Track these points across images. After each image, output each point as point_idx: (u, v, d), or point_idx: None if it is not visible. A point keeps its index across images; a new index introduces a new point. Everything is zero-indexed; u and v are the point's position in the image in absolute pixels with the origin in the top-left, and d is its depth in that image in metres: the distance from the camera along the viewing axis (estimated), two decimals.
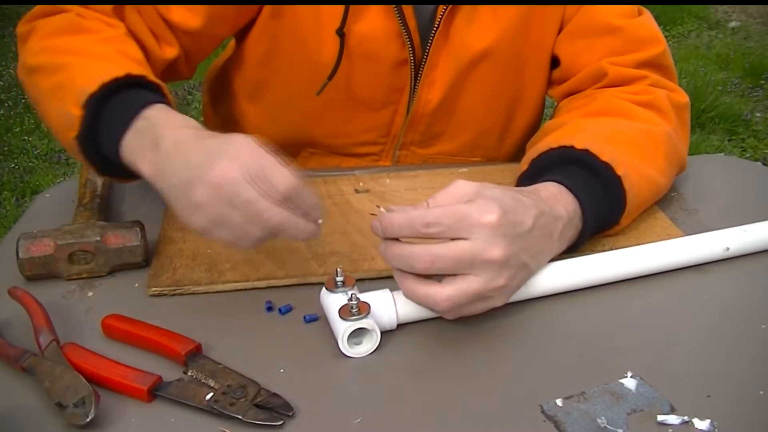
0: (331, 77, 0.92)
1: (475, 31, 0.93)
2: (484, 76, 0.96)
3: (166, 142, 0.66)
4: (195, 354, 0.63)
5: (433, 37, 0.92)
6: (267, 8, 0.92)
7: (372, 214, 0.65)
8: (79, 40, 0.80)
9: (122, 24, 0.84)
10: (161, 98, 0.73)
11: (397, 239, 0.64)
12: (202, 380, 0.61)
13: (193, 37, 0.90)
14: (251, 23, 0.95)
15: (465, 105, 0.99)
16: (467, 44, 0.93)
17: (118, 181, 0.82)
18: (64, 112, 0.74)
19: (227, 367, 0.62)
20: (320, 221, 0.67)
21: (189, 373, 0.62)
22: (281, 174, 0.63)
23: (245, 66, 1.00)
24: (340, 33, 0.89)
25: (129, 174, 0.72)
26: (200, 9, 0.88)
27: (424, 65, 0.94)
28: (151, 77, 0.76)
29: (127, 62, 0.76)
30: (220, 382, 0.60)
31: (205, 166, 0.62)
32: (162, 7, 0.87)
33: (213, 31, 0.92)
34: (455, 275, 0.63)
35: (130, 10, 0.85)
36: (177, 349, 0.63)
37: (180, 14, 0.87)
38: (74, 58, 0.77)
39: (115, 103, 0.72)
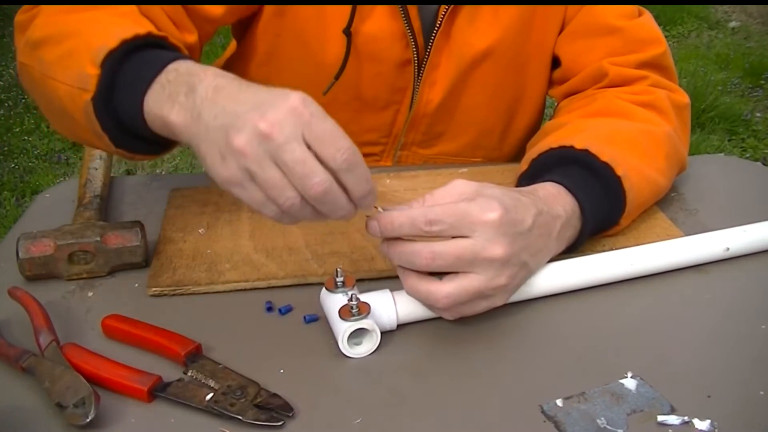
0: (338, 77, 0.92)
1: (476, 31, 0.93)
2: (485, 76, 0.96)
3: (203, 86, 0.61)
4: (195, 354, 0.63)
5: (434, 36, 0.92)
6: (271, 6, 0.92)
7: (367, 216, 0.65)
8: (92, 13, 0.76)
9: (134, 8, 0.80)
10: (186, 57, 0.68)
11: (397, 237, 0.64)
12: (202, 380, 0.61)
13: (211, 24, 0.89)
14: (254, 20, 0.95)
15: (466, 105, 0.99)
16: (469, 44, 0.93)
17: (131, 156, 0.73)
18: (77, 74, 0.68)
19: (227, 368, 0.62)
20: (379, 209, 0.62)
21: (189, 374, 0.62)
22: (343, 141, 0.57)
23: (247, 64, 1.00)
24: (347, 33, 0.89)
25: (146, 143, 0.69)
26: None
27: (425, 65, 0.94)
28: (173, 40, 0.72)
29: (147, 26, 0.71)
30: (220, 383, 0.60)
31: (254, 113, 0.56)
32: None
33: (227, 18, 0.91)
34: (456, 273, 0.63)
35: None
36: (177, 350, 0.63)
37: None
38: (87, 25, 0.72)
39: (138, 59, 0.67)
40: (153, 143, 0.69)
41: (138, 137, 0.69)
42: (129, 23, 0.72)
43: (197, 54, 0.91)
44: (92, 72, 0.67)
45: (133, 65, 0.67)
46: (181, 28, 0.86)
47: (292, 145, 0.56)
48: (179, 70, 0.65)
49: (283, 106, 0.57)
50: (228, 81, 0.62)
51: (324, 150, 0.57)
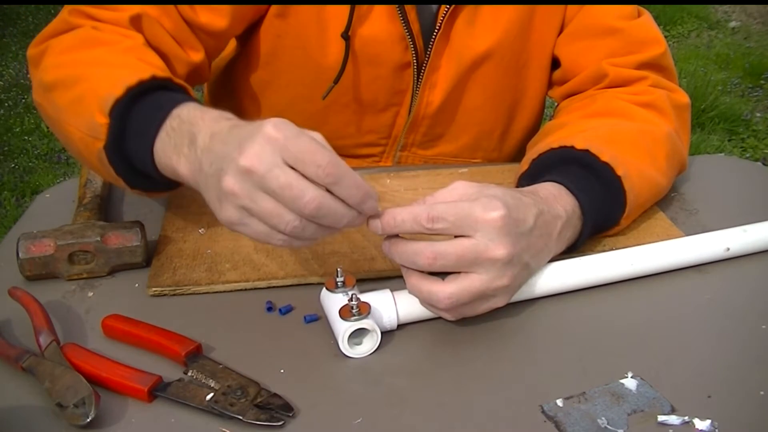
0: (337, 81, 0.92)
1: (476, 33, 0.93)
2: (485, 77, 0.96)
3: (201, 136, 0.63)
4: (195, 354, 0.63)
5: (434, 39, 0.92)
6: (273, 7, 0.92)
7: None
8: (96, 52, 0.77)
9: (140, 35, 0.82)
10: (189, 98, 0.70)
11: (397, 235, 0.64)
12: (203, 380, 0.61)
13: (217, 38, 0.90)
14: (257, 22, 0.95)
15: (466, 106, 0.99)
16: (468, 46, 0.93)
17: (148, 195, 0.77)
18: (88, 123, 0.70)
19: (227, 368, 0.62)
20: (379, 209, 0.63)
21: (189, 374, 0.62)
22: (321, 156, 0.57)
23: (248, 65, 1.00)
24: (345, 36, 0.90)
25: (160, 184, 0.71)
26: (225, 9, 0.88)
27: (425, 67, 0.94)
28: (177, 80, 0.73)
29: (150, 67, 0.73)
30: (221, 383, 0.60)
31: (235, 152, 0.58)
32: (188, 11, 0.86)
33: (233, 30, 0.92)
34: (458, 273, 0.63)
35: (147, 20, 0.83)
36: (177, 350, 0.63)
37: (207, 16, 0.87)
38: (94, 69, 0.74)
39: (144, 106, 0.69)
40: (167, 182, 0.71)
41: (152, 178, 0.71)
42: (134, 63, 0.74)
43: (206, 70, 0.93)
44: (102, 121, 0.69)
45: (139, 112, 0.69)
46: (185, 46, 0.87)
47: (275, 172, 0.57)
48: (182, 116, 0.67)
49: (258, 137, 0.58)
50: (222, 126, 0.63)
51: (306, 169, 0.58)
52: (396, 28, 0.90)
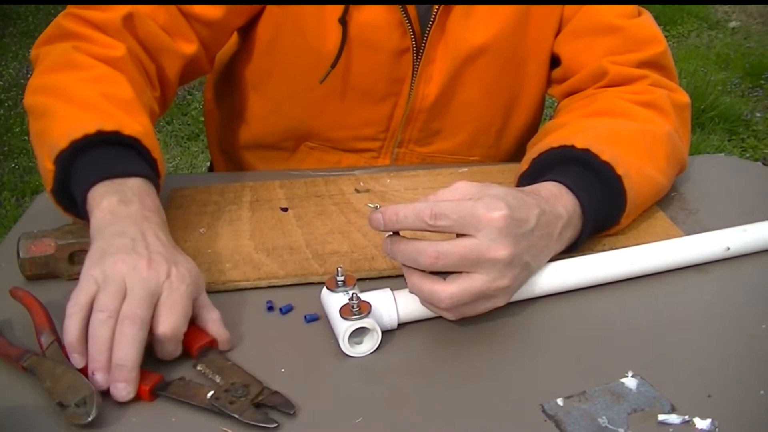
0: (334, 65, 0.93)
1: (472, 27, 0.93)
2: (481, 72, 0.96)
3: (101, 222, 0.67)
4: (208, 348, 0.63)
5: (429, 29, 0.92)
6: None
7: (370, 205, 0.65)
8: (67, 78, 0.78)
9: (122, 45, 0.82)
10: (132, 164, 0.72)
11: (398, 234, 0.64)
12: (209, 375, 0.61)
13: (213, 29, 0.91)
14: (259, 12, 0.96)
15: (462, 101, 0.99)
16: (464, 39, 0.94)
17: None
18: (41, 163, 0.74)
19: (236, 364, 0.62)
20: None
21: (198, 368, 0.62)
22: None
23: (249, 56, 1.01)
24: (342, 21, 0.90)
25: None
26: None
27: (421, 57, 0.94)
28: (126, 131, 0.73)
29: (106, 111, 0.74)
30: (225, 380, 0.60)
31: (107, 262, 0.63)
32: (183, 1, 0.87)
33: (231, 21, 0.94)
34: (460, 273, 0.63)
35: (139, 18, 0.84)
36: (192, 340, 0.63)
37: (201, 6, 0.88)
38: (58, 104, 0.76)
39: (85, 161, 0.71)
40: None
41: None
42: (93, 103, 0.75)
43: (204, 62, 0.94)
44: (49, 167, 0.72)
45: (81, 165, 0.72)
46: (178, 38, 0.88)
47: (142, 293, 0.61)
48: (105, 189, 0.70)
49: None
50: (113, 230, 0.66)
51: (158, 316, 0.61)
52: (394, 15, 0.91)
